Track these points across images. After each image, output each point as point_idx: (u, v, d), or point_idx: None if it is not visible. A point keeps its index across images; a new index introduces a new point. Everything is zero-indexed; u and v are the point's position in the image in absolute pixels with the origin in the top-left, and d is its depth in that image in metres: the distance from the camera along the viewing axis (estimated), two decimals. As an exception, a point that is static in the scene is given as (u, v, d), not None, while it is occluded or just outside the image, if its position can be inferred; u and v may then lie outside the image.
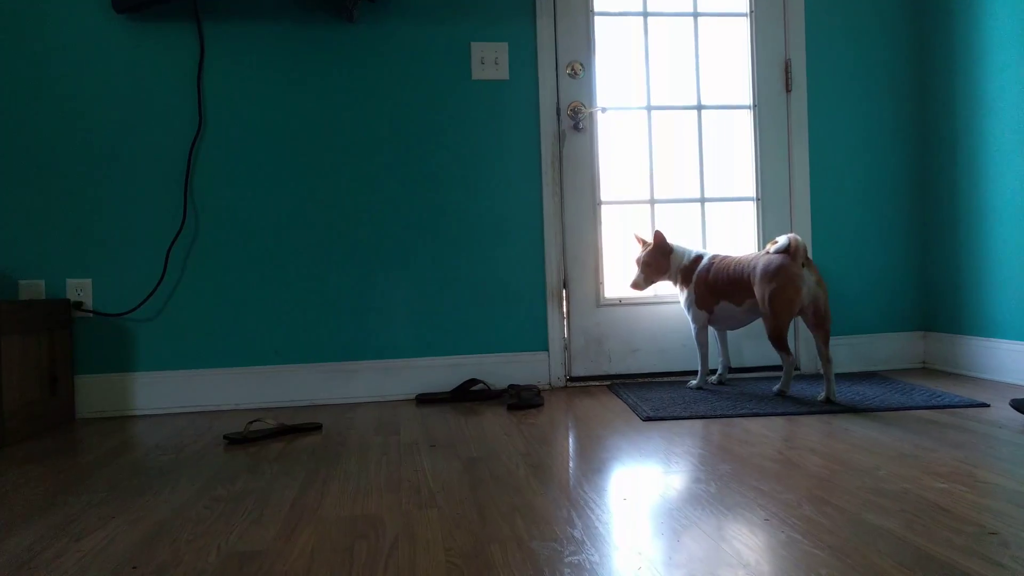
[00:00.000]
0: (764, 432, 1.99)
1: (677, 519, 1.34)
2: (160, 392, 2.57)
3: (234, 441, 2.07)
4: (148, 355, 2.58)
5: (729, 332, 2.76)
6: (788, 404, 2.31)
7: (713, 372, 2.77)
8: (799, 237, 2.34)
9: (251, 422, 2.13)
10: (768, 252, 2.41)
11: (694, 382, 2.63)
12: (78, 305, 2.53)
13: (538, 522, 1.36)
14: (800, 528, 1.27)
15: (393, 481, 1.65)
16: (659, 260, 2.59)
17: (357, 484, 1.64)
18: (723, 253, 2.59)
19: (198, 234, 2.61)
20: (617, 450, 1.86)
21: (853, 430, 1.97)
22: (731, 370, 2.83)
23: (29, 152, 2.53)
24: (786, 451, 1.78)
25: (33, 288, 2.52)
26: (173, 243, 2.58)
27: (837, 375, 2.83)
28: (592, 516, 1.38)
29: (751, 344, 2.88)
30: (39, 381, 2.32)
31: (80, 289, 2.54)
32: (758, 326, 2.75)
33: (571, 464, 1.75)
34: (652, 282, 2.63)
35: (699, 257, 2.59)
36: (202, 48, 2.59)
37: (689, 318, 2.61)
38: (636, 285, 2.62)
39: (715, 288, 2.52)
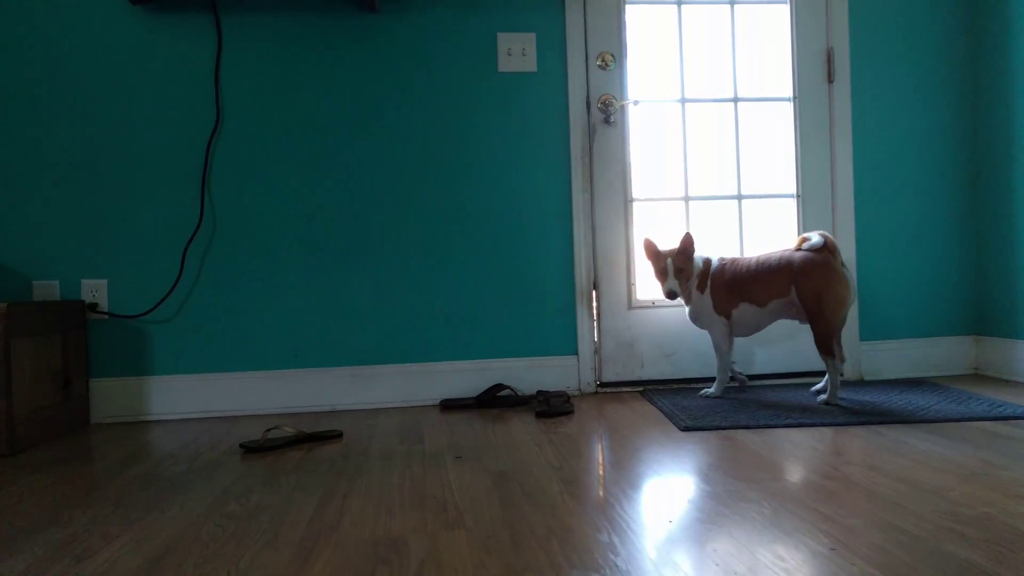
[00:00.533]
0: (814, 444, 1.85)
1: (731, 547, 1.21)
2: (176, 397, 2.48)
3: (251, 450, 1.97)
4: (164, 358, 2.49)
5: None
6: (835, 413, 2.17)
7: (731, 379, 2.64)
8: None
9: (269, 430, 2.03)
10: (797, 250, 2.32)
11: (711, 390, 2.46)
12: (93, 307, 2.45)
13: (576, 548, 1.23)
14: (874, 561, 1.14)
15: (417, 497, 1.54)
16: (688, 264, 2.39)
17: (379, 500, 1.53)
18: (729, 256, 2.46)
19: (215, 233, 2.52)
20: (656, 464, 1.74)
21: (912, 443, 1.83)
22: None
23: (43, 149, 2.46)
24: (842, 467, 1.64)
25: (47, 289, 2.44)
26: (190, 242, 2.49)
27: (884, 382, 2.68)
28: (635, 541, 1.25)
29: (763, 351, 2.73)
30: (52, 385, 2.24)
31: (95, 290, 2.46)
32: (771, 332, 2.63)
33: (608, 479, 1.62)
34: (686, 289, 2.40)
35: (708, 261, 2.44)
36: (220, 40, 2.50)
37: (705, 327, 2.45)
38: (673, 294, 2.35)
39: (735, 289, 2.38)
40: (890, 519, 1.31)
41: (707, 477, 1.60)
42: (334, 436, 2.11)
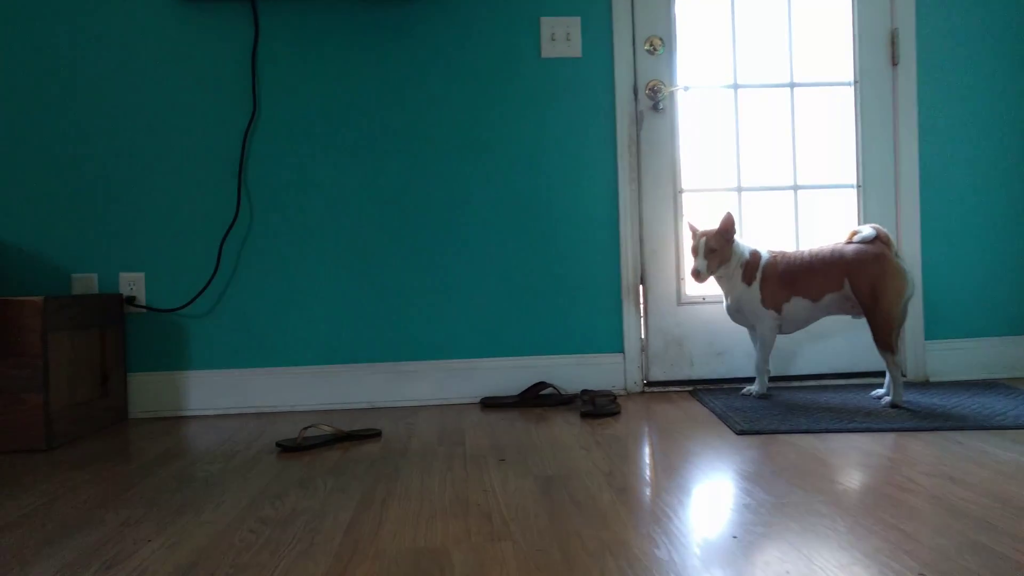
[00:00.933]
0: (883, 452, 1.72)
1: (806, 569, 1.10)
2: (213, 392, 2.44)
3: (287, 449, 1.91)
4: (201, 353, 2.45)
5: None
6: (902, 417, 2.03)
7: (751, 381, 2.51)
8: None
9: (305, 428, 1.96)
10: (848, 243, 2.23)
11: (755, 388, 2.35)
12: (131, 300, 2.42)
13: (634, 566, 1.13)
14: (972, 589, 1.02)
15: (460, 503, 1.45)
16: (724, 247, 2.27)
17: (419, 506, 1.45)
18: (778, 249, 2.34)
19: (252, 225, 2.47)
20: (713, 471, 1.62)
21: (994, 452, 1.68)
22: (772, 379, 2.57)
23: (81, 142, 2.43)
24: (919, 478, 1.51)
25: (86, 282, 2.42)
26: (226, 235, 2.45)
27: (952, 384, 2.52)
28: (698, 559, 1.15)
29: (813, 348, 2.59)
30: (90, 380, 2.21)
31: (132, 283, 2.43)
32: (820, 327, 2.49)
33: (662, 487, 1.52)
34: (714, 272, 2.28)
35: (756, 253, 2.31)
36: (256, 29, 2.44)
37: (749, 322, 2.33)
38: (698, 274, 2.25)
39: (788, 282, 2.26)
40: (982, 540, 1.18)
41: (770, 486, 1.49)
42: (372, 435, 2.04)
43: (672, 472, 1.63)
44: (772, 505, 1.38)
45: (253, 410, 2.45)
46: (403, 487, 1.57)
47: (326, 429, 2.01)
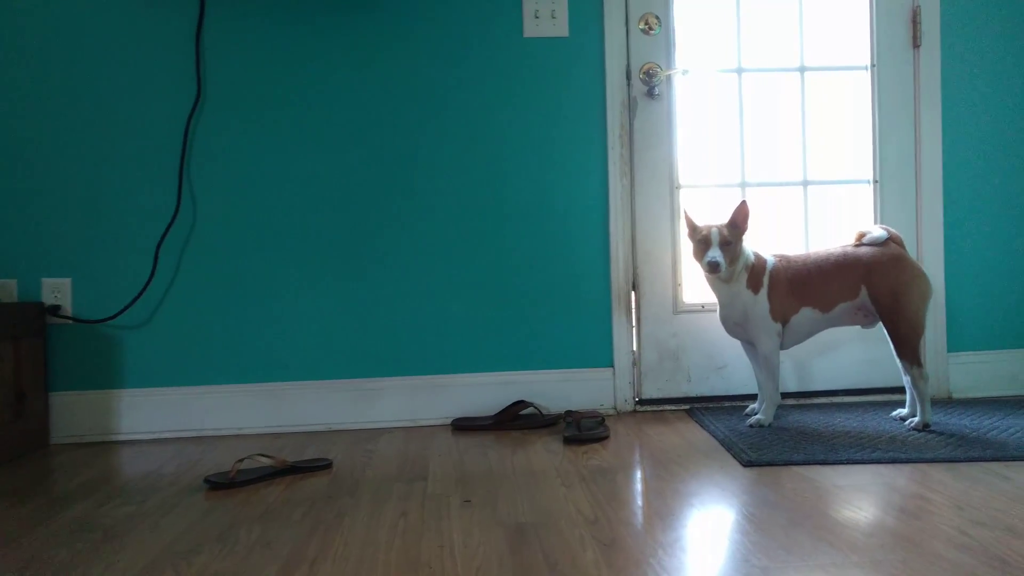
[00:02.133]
0: (919, 491, 1.44)
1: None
2: (148, 414, 2.15)
3: (217, 486, 1.62)
4: (135, 369, 2.16)
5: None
6: (932, 445, 1.76)
7: (752, 399, 2.24)
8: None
9: (240, 460, 1.68)
10: (857, 245, 2.01)
11: (762, 417, 2.00)
12: (54, 309, 2.13)
13: (622, 668, 0.86)
14: None
15: (408, 566, 1.17)
16: (737, 241, 1.96)
17: (358, 568, 1.16)
18: (782, 253, 2.05)
19: (196, 225, 2.19)
20: (720, 516, 1.35)
21: (1052, 494, 1.41)
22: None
23: None
24: (972, 530, 1.24)
25: (4, 289, 2.13)
26: (164, 236, 2.16)
27: (977, 400, 2.27)
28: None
29: (823, 361, 2.32)
30: (2, 400, 1.92)
31: (57, 291, 2.14)
32: (829, 338, 2.27)
33: (659, 541, 1.24)
34: (729, 267, 1.95)
35: (761, 257, 2.01)
36: (202, 4, 2.16)
37: (751, 336, 2.01)
38: (717, 265, 1.90)
39: (797, 291, 1.98)
40: (1077, 629, 0.91)
41: (791, 543, 1.21)
42: (321, 467, 1.76)
43: (669, 519, 1.35)
44: (799, 566, 1.10)
45: (194, 434, 2.16)
46: (343, 541, 1.29)
47: (265, 460, 1.72)
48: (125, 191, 2.17)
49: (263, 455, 1.73)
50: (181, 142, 2.17)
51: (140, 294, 2.15)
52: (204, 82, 2.18)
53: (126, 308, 2.14)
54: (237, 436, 2.15)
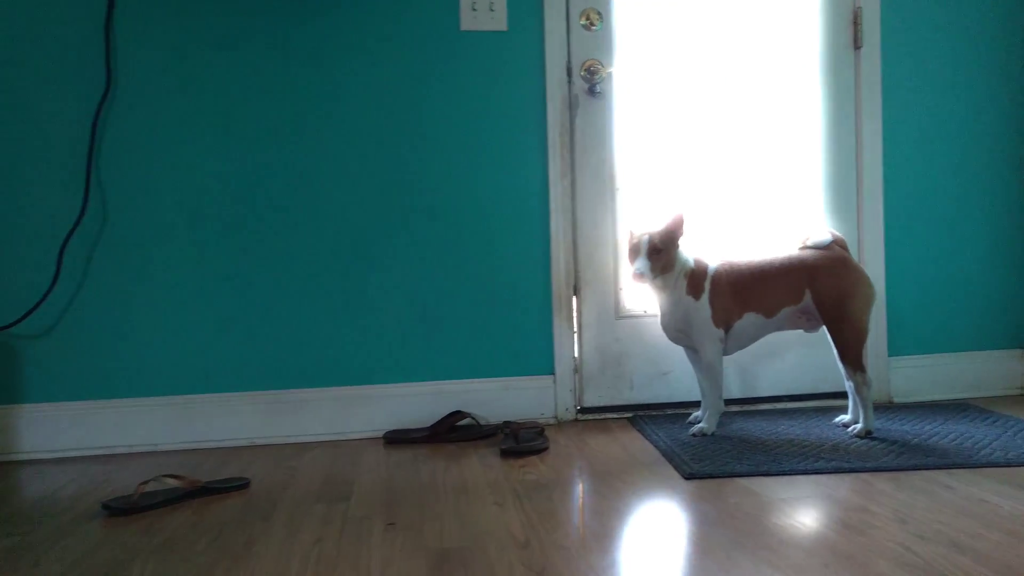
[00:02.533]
0: (863, 503, 1.39)
1: None
2: (51, 430, 1.98)
3: (117, 511, 1.48)
4: (37, 381, 1.99)
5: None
6: (875, 453, 1.72)
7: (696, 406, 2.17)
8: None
9: (144, 482, 1.54)
10: (801, 249, 1.97)
11: (704, 425, 1.94)
12: (-56, 316, 1.94)
13: None
14: None
15: (317, 601, 1.06)
16: (670, 249, 1.92)
17: (259, 607, 1.05)
18: (724, 258, 2.00)
19: (105, 225, 2.03)
20: (660, 537, 1.27)
21: (994, 503, 1.37)
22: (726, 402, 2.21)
23: None
24: (917, 546, 1.19)
25: None
26: (69, 236, 1.99)
27: (918, 405, 2.25)
28: None
29: (764, 367, 2.29)
30: None
31: (-52, 296, 1.96)
32: (770, 344, 2.22)
33: (593, 568, 1.15)
34: (657, 276, 1.91)
35: (702, 263, 1.97)
36: (111, -14, 2.01)
37: (693, 343, 1.96)
38: (641, 275, 1.88)
39: (740, 297, 1.93)
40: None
41: (733, 565, 1.14)
42: (237, 487, 1.62)
43: (605, 541, 1.27)
44: (735, 597, 1.03)
45: (102, 451, 2.00)
46: (248, 574, 1.17)
47: (172, 481, 1.58)
48: (27, 188, 1.99)
49: (172, 475, 1.59)
50: (89, 134, 2.01)
51: (41, 300, 1.97)
52: (115, 70, 2.02)
53: (26, 316, 1.96)
54: (151, 453, 1.99)
